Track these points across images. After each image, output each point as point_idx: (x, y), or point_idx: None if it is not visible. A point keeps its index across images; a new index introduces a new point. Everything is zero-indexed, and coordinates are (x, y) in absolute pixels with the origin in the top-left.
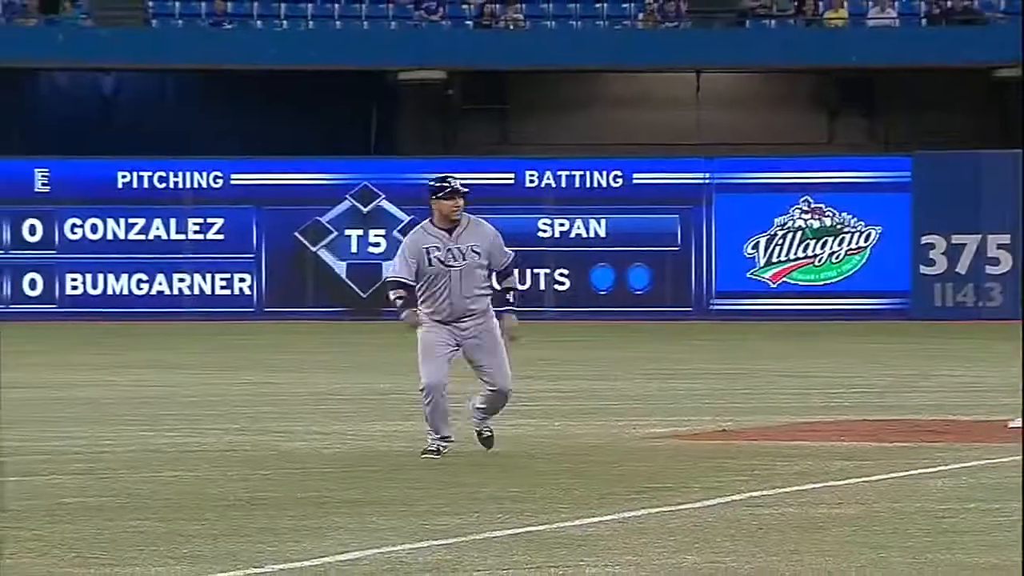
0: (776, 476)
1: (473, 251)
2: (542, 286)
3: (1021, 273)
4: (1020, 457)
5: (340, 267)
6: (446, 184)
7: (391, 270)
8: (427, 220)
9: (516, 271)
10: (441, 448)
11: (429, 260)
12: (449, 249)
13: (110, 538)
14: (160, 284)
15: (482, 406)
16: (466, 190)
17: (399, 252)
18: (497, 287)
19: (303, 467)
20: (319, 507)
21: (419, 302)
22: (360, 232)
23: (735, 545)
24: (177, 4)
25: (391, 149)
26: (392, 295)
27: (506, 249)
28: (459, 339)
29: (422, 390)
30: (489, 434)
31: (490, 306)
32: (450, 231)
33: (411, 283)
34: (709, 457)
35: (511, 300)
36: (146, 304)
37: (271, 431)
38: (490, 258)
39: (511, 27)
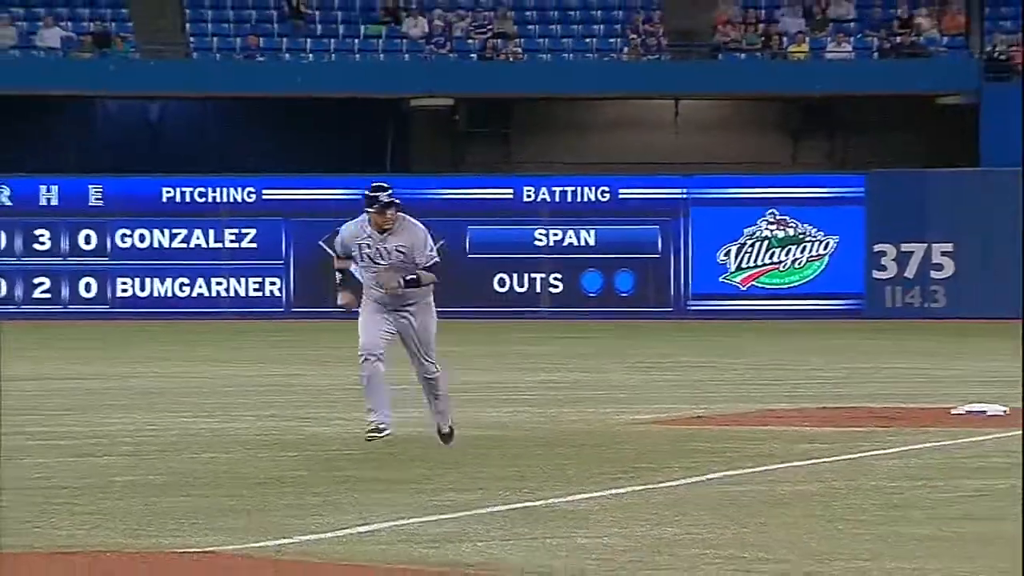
0: (746, 457)
1: (399, 251)
2: (538, 289)
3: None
4: (974, 439)
5: (357, 271)
6: (375, 200)
7: (336, 246)
8: (364, 216)
9: (434, 274)
10: (382, 428)
11: (360, 255)
12: (378, 248)
13: (156, 512)
14: (200, 287)
15: (427, 397)
16: (396, 201)
17: (339, 235)
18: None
19: (327, 449)
20: (340, 485)
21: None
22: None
23: (710, 518)
24: (215, 39)
25: (404, 167)
26: (337, 271)
27: (430, 252)
28: (395, 317)
29: (360, 356)
30: (447, 432)
31: (424, 297)
32: (382, 232)
33: (347, 263)
34: (686, 441)
35: (409, 279)
36: (187, 305)
37: (299, 417)
38: (415, 256)
39: (511, 59)
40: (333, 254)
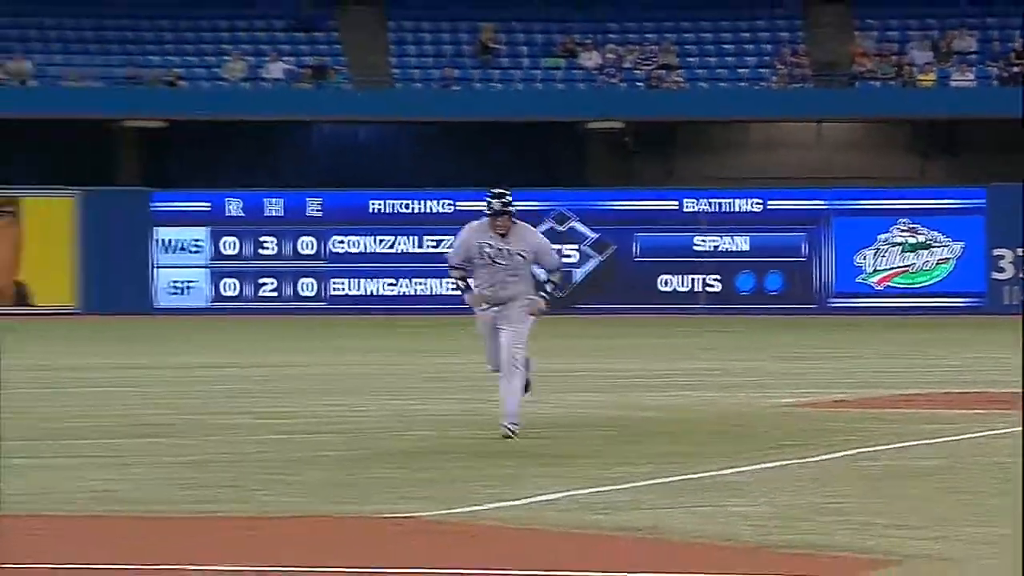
0: (879, 436)
1: (520, 255)
2: (697, 289)
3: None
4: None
5: (541, 274)
6: (490, 208)
7: (451, 254)
8: (485, 219)
9: (560, 272)
10: (512, 430)
11: (481, 253)
12: (499, 249)
13: (358, 483)
14: (404, 286)
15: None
16: (509, 210)
17: (458, 239)
18: (542, 278)
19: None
20: (525, 459)
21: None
22: (556, 247)
23: (847, 489)
24: (416, 71)
25: (580, 182)
26: (454, 276)
27: (554, 256)
28: (495, 320)
29: (487, 367)
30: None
31: (525, 294)
32: (502, 236)
33: (464, 267)
34: (827, 421)
35: (548, 290)
36: (393, 302)
37: (490, 400)
38: (538, 259)
39: (674, 87)
40: (454, 278)
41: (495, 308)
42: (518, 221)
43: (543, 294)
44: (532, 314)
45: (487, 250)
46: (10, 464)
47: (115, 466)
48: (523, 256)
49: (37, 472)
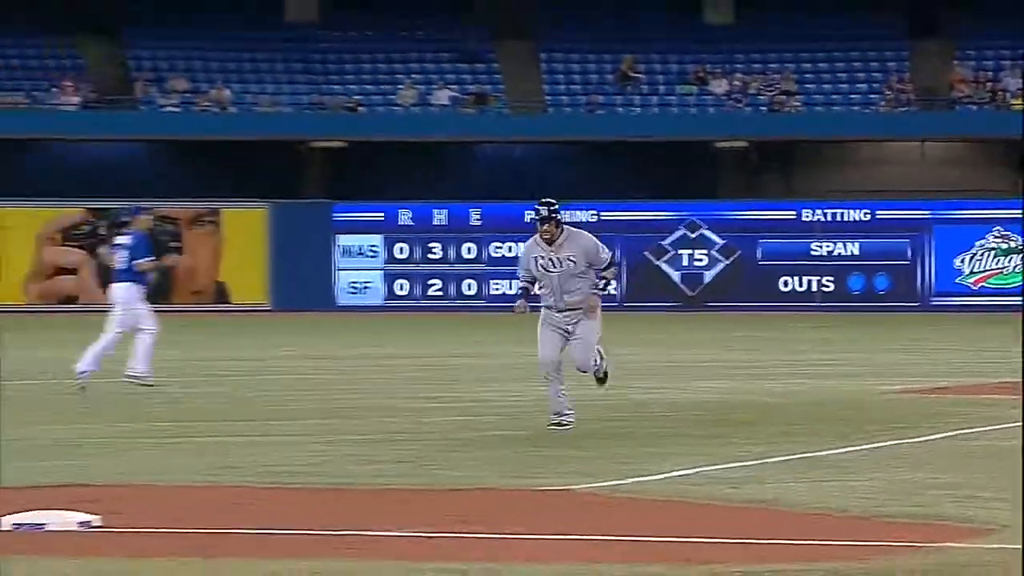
0: (978, 419)
1: (570, 260)
2: (814, 289)
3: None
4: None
5: (676, 275)
6: (537, 214)
7: (520, 267)
8: (537, 235)
9: (614, 267)
10: (563, 422)
11: (536, 266)
12: (550, 258)
13: (518, 459)
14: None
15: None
16: (554, 217)
17: (520, 257)
18: (597, 278)
19: (651, 412)
20: (662, 439)
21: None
22: (689, 251)
23: (951, 466)
24: (565, 97)
25: (710, 195)
26: (517, 290)
27: (602, 254)
28: (563, 326)
29: (540, 367)
30: (600, 377)
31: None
32: (550, 243)
33: (530, 281)
34: (931, 406)
35: (601, 287)
36: (537, 302)
37: (631, 387)
38: (589, 260)
39: (793, 111)
40: (517, 290)
41: (561, 315)
42: (568, 228)
43: (595, 291)
44: (586, 313)
45: (540, 262)
46: (218, 440)
47: (310, 444)
48: (573, 261)
49: (238, 448)
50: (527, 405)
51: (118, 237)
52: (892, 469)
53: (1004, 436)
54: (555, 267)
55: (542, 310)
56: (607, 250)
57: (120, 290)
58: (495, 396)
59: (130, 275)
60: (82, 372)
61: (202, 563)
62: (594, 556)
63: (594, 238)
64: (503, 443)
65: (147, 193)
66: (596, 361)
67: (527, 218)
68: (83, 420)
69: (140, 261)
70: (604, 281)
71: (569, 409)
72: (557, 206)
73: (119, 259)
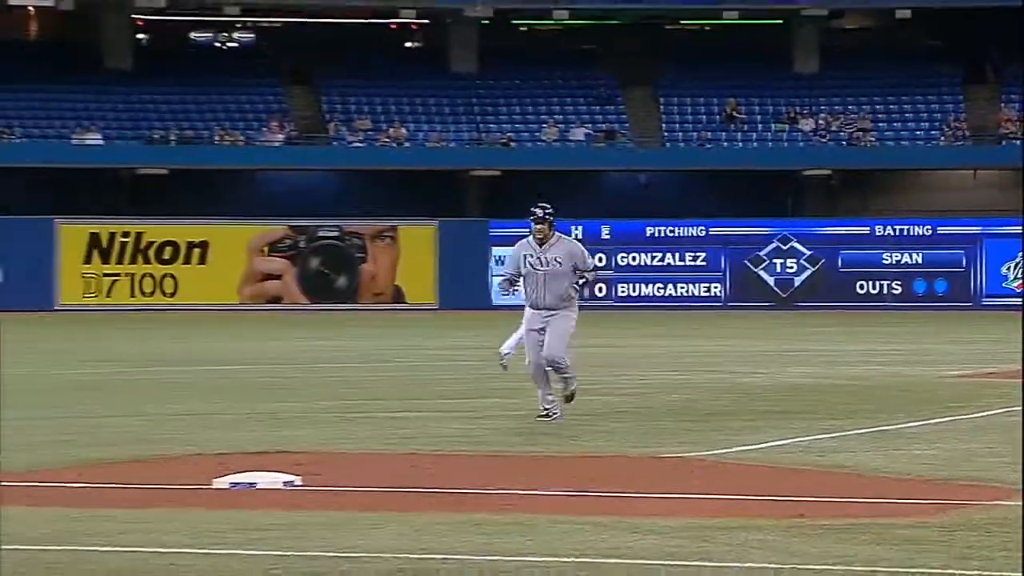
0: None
1: (556, 261)
2: (884, 292)
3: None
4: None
5: (770, 280)
6: (533, 214)
7: (508, 263)
8: (530, 235)
9: (595, 273)
10: (551, 413)
11: (525, 263)
12: (539, 257)
13: (644, 431)
14: (670, 289)
15: (558, 377)
16: (548, 218)
17: (508, 256)
18: (577, 277)
19: (749, 392)
20: (758, 416)
21: (524, 293)
22: (781, 260)
23: (999, 438)
24: (680, 133)
25: (799, 213)
26: (500, 282)
27: (588, 260)
28: (542, 323)
29: (527, 365)
30: (567, 395)
31: (569, 304)
32: (541, 244)
33: (515, 276)
34: (982, 388)
35: (580, 283)
36: (664, 301)
37: (732, 372)
38: (574, 264)
39: (867, 145)
40: (506, 274)
41: (540, 313)
42: (559, 234)
43: (575, 286)
44: (564, 302)
45: (529, 259)
46: (395, 415)
47: (470, 418)
48: (558, 262)
49: (411, 422)
50: (649, 387)
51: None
52: (951, 440)
53: None
54: (542, 266)
55: (526, 311)
56: (592, 261)
57: None
58: (621, 379)
59: None
60: (505, 354)
61: (386, 516)
62: (707, 511)
63: (582, 247)
64: (628, 418)
65: (337, 214)
66: (566, 362)
67: (647, 232)
68: (282, 399)
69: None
70: (583, 280)
71: (552, 401)
72: (552, 210)
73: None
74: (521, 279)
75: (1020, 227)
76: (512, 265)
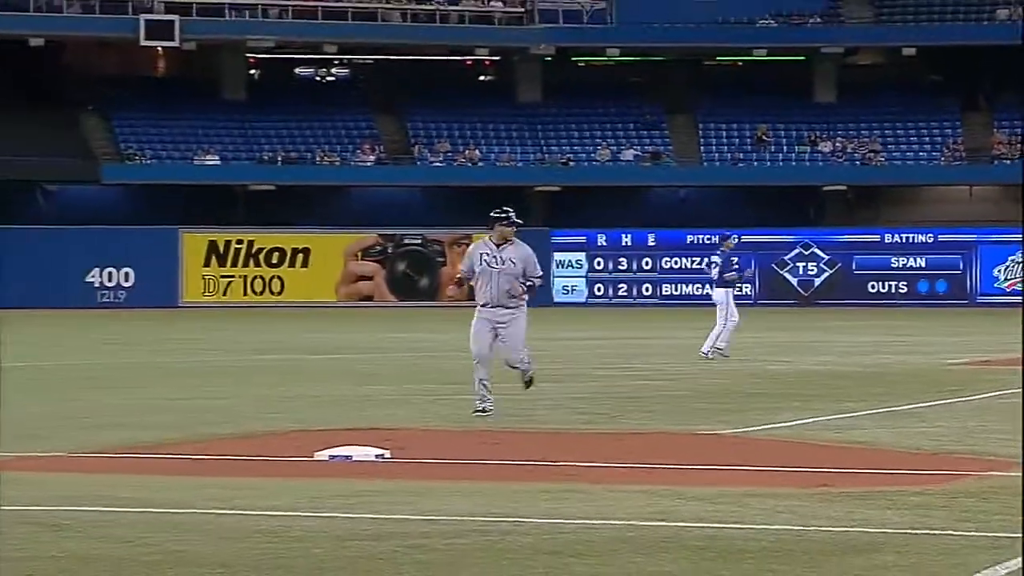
0: (1013, 383)
1: (511, 261)
2: (892, 291)
3: (1021, 271)
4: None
5: (794, 281)
6: (506, 216)
7: (464, 261)
8: (488, 236)
9: (540, 280)
10: (486, 408)
11: (481, 261)
12: (495, 256)
13: (681, 412)
14: (706, 289)
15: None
16: (507, 220)
17: (467, 253)
18: (525, 283)
19: (777, 376)
20: (783, 398)
21: (475, 292)
22: (803, 264)
23: (997, 418)
24: (716, 153)
25: (819, 223)
26: (458, 277)
27: (537, 270)
28: (494, 322)
29: (474, 359)
30: (528, 380)
31: (519, 303)
32: (499, 246)
33: (468, 276)
34: (978, 374)
35: (528, 285)
36: (701, 300)
37: (760, 359)
38: (524, 269)
39: (878, 164)
40: (462, 272)
41: (494, 311)
42: (517, 240)
43: (524, 285)
44: (513, 299)
45: (486, 258)
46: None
47: (532, 400)
48: (514, 263)
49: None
50: (687, 373)
51: (714, 256)
52: (953, 419)
53: None
54: (497, 264)
55: (477, 309)
56: (540, 271)
57: (720, 293)
58: (664, 366)
59: (722, 282)
60: (706, 352)
61: (462, 485)
62: (740, 481)
63: (534, 255)
64: (670, 400)
65: (420, 224)
66: (524, 360)
67: (688, 240)
68: (374, 383)
69: (727, 274)
70: (531, 283)
71: (490, 397)
72: (512, 213)
73: (714, 271)
74: (476, 279)
75: (1010, 236)
76: (468, 264)
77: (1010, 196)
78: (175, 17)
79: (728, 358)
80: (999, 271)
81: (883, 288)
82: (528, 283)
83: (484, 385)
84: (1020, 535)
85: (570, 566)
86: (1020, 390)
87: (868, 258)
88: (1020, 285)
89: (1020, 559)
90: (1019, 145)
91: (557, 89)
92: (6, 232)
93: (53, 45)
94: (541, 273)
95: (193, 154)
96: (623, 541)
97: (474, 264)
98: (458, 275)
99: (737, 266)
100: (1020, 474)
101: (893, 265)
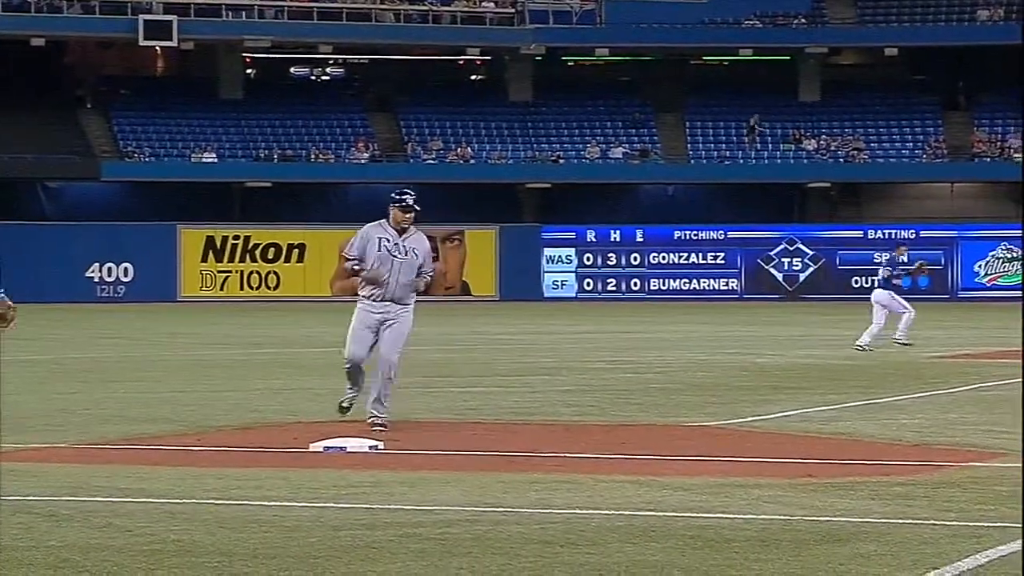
0: (991, 376)
1: (414, 251)
2: (875, 286)
3: (1021, 270)
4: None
5: (779, 276)
6: (404, 199)
7: (351, 250)
8: (385, 220)
9: (430, 276)
10: (352, 403)
11: (379, 247)
12: (396, 244)
13: (668, 404)
14: (694, 283)
15: (380, 382)
16: (417, 208)
17: (359, 235)
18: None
19: (765, 370)
20: (769, 391)
21: (362, 284)
22: (789, 259)
23: (975, 408)
24: (703, 152)
25: (804, 219)
26: (348, 265)
27: (432, 264)
28: (380, 320)
29: (346, 362)
30: (379, 422)
31: (411, 301)
32: (400, 233)
33: (359, 264)
34: (959, 367)
35: (424, 280)
36: (689, 294)
37: (746, 353)
38: (423, 260)
39: (861, 162)
40: (349, 260)
41: (383, 306)
42: (417, 230)
43: (422, 279)
44: (409, 296)
45: (386, 244)
46: (462, 389)
47: (524, 392)
48: (416, 253)
49: (476, 395)
50: (674, 366)
51: (884, 257)
52: (933, 411)
53: (1010, 388)
54: (400, 253)
55: (362, 303)
56: (434, 265)
57: (880, 294)
58: (652, 359)
59: (886, 283)
60: (860, 346)
61: (455, 475)
62: (726, 472)
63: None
64: (657, 392)
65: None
66: (396, 365)
67: (675, 236)
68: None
69: (895, 280)
70: (426, 280)
71: (354, 401)
72: (411, 198)
73: (883, 272)
74: (369, 267)
75: (991, 231)
76: (361, 249)
77: (990, 193)
78: (173, 17)
79: (912, 345)
80: (980, 266)
81: (866, 283)
82: (425, 274)
83: (353, 392)
84: (1006, 524)
85: (560, 555)
86: (1016, 383)
87: (851, 254)
88: (1020, 281)
89: (1002, 547)
90: (999, 143)
91: (547, 88)
92: (9, 228)
93: (54, 45)
94: (433, 270)
95: (191, 152)
96: (612, 531)
97: (368, 249)
98: (351, 264)
99: (902, 270)
100: (1003, 464)
101: (876, 261)
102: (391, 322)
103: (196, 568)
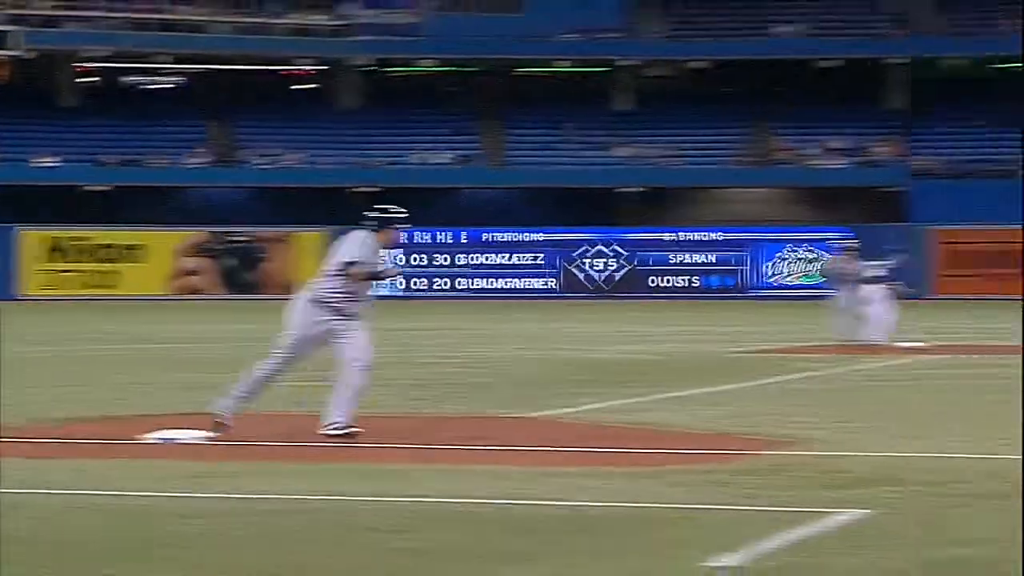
0: (790, 369)
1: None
2: (679, 285)
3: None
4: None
5: (592, 275)
6: (406, 220)
7: (356, 255)
8: (378, 234)
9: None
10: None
11: (375, 263)
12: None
13: (495, 398)
14: (514, 283)
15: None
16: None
17: (360, 243)
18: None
19: (568, 366)
20: (583, 384)
21: (346, 293)
22: (601, 260)
23: (772, 399)
24: (522, 157)
25: (614, 222)
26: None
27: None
28: (324, 327)
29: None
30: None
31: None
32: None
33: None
34: (758, 361)
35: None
36: (503, 294)
37: (561, 349)
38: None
39: (670, 169)
40: (364, 268)
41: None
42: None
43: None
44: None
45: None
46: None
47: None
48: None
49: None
50: (494, 360)
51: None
52: (736, 402)
53: (809, 380)
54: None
55: (302, 304)
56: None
57: (869, 289)
58: (473, 354)
59: (870, 280)
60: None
61: (277, 464)
62: (540, 461)
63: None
64: (487, 388)
65: (246, 222)
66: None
67: (495, 238)
68: (206, 369)
69: (898, 284)
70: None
71: (234, 410)
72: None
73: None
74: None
75: (783, 233)
76: (364, 255)
77: (785, 198)
78: (15, 28)
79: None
80: (769, 267)
81: (672, 283)
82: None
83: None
84: (807, 509)
85: (378, 541)
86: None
87: (657, 254)
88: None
89: (802, 529)
90: (798, 153)
91: (376, 97)
92: None
93: None
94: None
95: (30, 157)
96: (420, 515)
97: (369, 261)
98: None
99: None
100: (799, 452)
101: (678, 261)
102: (339, 338)
103: None
